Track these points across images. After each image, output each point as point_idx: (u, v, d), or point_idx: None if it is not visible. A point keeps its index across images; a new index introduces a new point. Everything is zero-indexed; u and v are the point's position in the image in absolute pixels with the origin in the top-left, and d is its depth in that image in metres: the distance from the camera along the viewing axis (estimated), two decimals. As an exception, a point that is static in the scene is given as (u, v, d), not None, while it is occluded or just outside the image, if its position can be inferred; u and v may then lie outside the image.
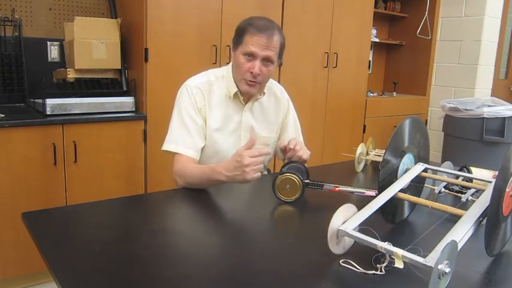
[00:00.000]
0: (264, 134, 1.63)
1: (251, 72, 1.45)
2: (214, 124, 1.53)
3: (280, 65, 1.59)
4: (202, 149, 1.53)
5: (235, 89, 1.53)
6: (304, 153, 1.48)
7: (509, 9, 4.03)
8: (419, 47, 3.94)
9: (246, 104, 1.57)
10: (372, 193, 1.26)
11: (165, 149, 1.50)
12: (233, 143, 1.57)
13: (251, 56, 1.44)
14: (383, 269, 0.84)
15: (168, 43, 2.37)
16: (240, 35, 1.47)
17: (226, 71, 1.57)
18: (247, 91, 1.51)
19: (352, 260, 0.88)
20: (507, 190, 0.89)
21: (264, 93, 1.60)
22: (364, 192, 1.27)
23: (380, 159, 1.57)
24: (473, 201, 0.97)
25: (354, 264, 0.87)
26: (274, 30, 1.45)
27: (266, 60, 1.45)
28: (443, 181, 1.17)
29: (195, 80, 1.54)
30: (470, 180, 1.21)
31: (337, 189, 1.30)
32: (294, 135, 1.71)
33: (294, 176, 1.27)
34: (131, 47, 2.48)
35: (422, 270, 0.76)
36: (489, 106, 3.18)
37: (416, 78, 4.03)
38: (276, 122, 1.67)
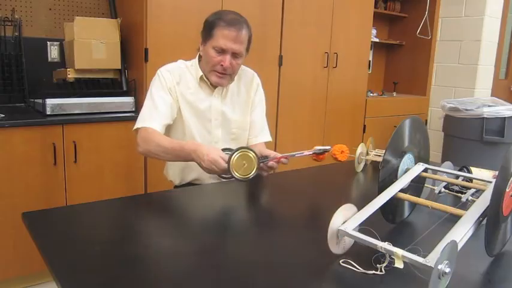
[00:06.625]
0: (237, 118, 1.66)
1: (221, 65, 1.51)
2: (186, 106, 1.58)
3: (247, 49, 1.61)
4: (175, 129, 1.58)
5: (201, 73, 1.58)
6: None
7: (509, 9, 4.03)
8: (419, 47, 3.94)
9: (215, 89, 1.61)
10: (310, 152, 1.46)
11: (134, 128, 1.54)
12: (204, 126, 1.61)
13: (221, 49, 1.50)
14: (383, 269, 0.84)
15: (168, 43, 2.37)
16: (209, 28, 1.51)
17: (194, 61, 1.63)
18: (217, 82, 1.57)
19: (352, 260, 0.88)
20: (507, 190, 0.89)
21: (233, 79, 1.63)
22: (303, 153, 1.45)
23: (380, 159, 1.57)
24: (473, 201, 0.97)
25: (354, 264, 0.87)
26: (242, 24, 1.51)
27: (235, 54, 1.51)
28: (443, 181, 1.17)
29: (165, 66, 1.61)
30: (470, 180, 1.21)
31: (279, 158, 1.42)
32: (259, 114, 1.73)
33: (248, 151, 1.34)
34: (131, 47, 2.48)
35: (422, 270, 0.76)
36: (489, 106, 3.18)
37: (416, 78, 4.03)
38: (247, 104, 1.70)
